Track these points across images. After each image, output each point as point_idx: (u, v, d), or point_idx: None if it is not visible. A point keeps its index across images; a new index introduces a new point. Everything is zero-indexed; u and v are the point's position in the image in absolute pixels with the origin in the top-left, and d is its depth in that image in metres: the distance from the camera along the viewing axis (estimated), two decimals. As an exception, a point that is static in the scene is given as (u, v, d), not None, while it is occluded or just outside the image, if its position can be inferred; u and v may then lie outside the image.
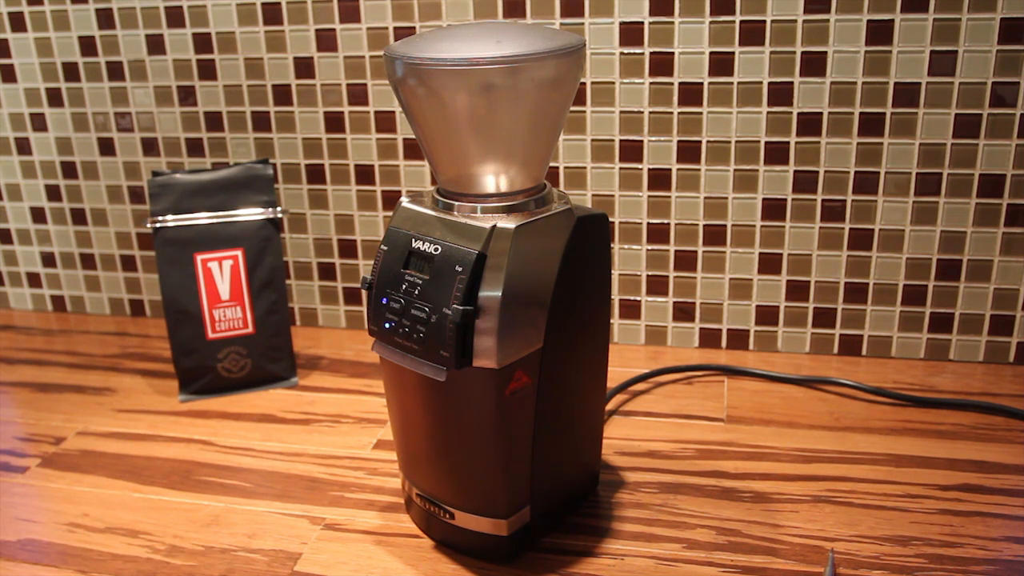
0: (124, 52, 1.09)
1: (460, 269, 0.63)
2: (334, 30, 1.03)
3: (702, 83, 0.96)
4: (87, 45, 1.10)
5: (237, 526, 0.76)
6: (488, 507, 0.69)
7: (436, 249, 0.64)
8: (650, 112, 0.98)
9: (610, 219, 0.90)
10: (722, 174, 0.99)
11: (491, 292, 0.62)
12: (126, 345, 1.14)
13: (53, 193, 1.19)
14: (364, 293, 1.09)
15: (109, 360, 1.10)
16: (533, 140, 0.66)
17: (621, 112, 0.99)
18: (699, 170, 0.99)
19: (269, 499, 0.80)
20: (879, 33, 0.91)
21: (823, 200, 0.97)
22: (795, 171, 0.97)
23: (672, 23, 0.95)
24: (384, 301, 0.67)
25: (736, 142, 0.97)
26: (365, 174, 1.08)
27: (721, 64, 0.95)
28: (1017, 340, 0.98)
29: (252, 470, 0.85)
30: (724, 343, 1.06)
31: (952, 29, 0.89)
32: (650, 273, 1.04)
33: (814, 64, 0.93)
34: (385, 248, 0.67)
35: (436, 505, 0.71)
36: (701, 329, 1.06)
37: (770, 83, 0.95)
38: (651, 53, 0.96)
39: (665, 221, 1.02)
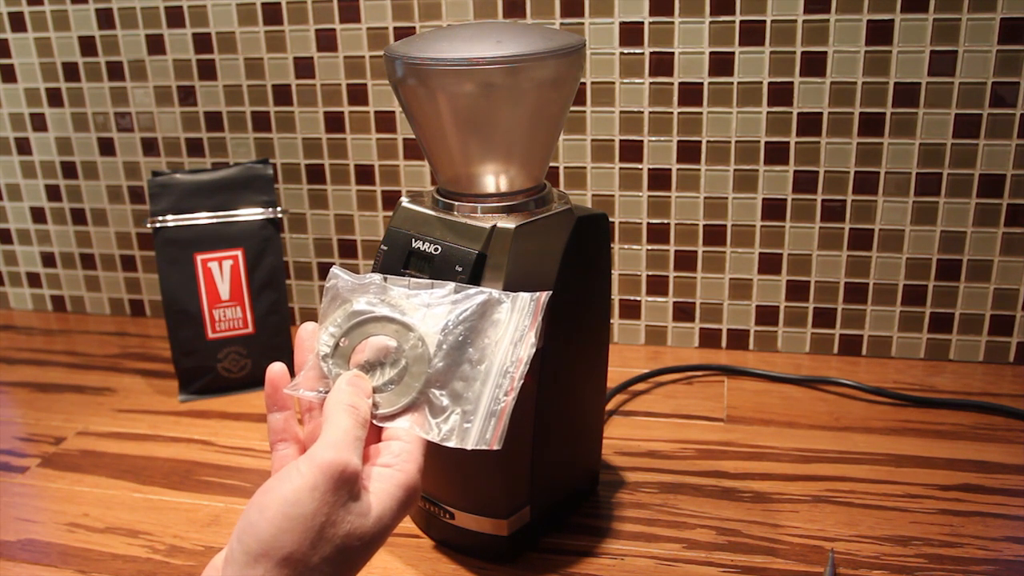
0: (124, 52, 1.09)
1: (460, 269, 0.63)
2: (334, 30, 1.03)
3: (702, 83, 0.96)
4: (87, 45, 1.10)
5: (237, 526, 0.76)
6: (488, 507, 0.69)
7: (436, 249, 0.64)
8: (650, 112, 0.98)
9: (610, 219, 0.90)
10: (722, 174, 0.99)
11: (491, 292, 0.62)
12: (126, 345, 1.14)
13: (53, 193, 1.19)
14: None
15: (109, 360, 1.10)
16: (533, 140, 0.66)
17: (621, 112, 0.99)
18: (699, 170, 0.99)
19: (269, 499, 0.80)
20: (879, 33, 0.91)
21: (823, 200, 0.97)
22: (795, 171, 0.97)
23: (672, 23, 0.95)
24: (384, 301, 0.67)
25: (736, 142, 0.97)
26: (365, 174, 1.08)
27: (721, 64, 0.95)
28: (1017, 340, 0.98)
29: (252, 470, 0.85)
30: (724, 343, 1.06)
31: (952, 29, 0.89)
32: (650, 273, 1.04)
33: (814, 64, 0.93)
34: (385, 248, 0.67)
35: (436, 505, 0.71)
36: (701, 329, 1.06)
37: (770, 83, 0.95)
38: (651, 53, 0.96)
39: (665, 221, 1.02)
